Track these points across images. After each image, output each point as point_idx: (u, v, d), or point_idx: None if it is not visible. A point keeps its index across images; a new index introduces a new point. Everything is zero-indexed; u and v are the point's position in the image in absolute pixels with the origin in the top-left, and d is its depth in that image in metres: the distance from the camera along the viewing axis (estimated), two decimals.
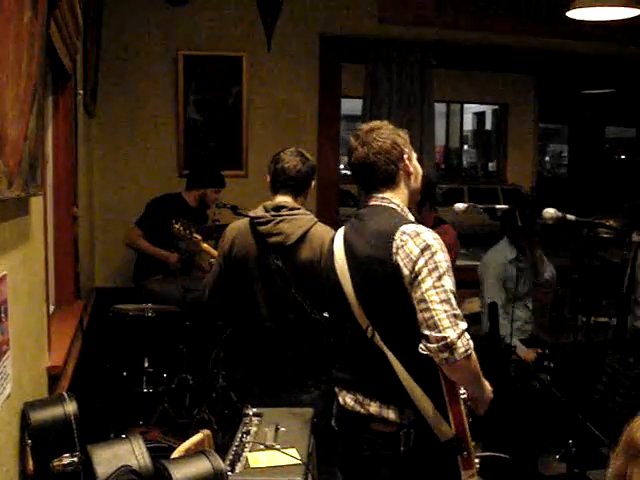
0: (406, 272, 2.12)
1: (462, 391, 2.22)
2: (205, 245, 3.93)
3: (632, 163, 22.90)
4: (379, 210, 2.33)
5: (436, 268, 2.10)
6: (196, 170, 5.16)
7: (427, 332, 2.05)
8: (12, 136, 1.74)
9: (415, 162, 2.42)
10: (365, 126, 2.40)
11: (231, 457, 2.20)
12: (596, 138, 22.20)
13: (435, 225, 4.23)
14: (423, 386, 2.16)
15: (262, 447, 2.26)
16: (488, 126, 24.41)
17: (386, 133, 2.35)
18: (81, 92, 4.15)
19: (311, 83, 5.64)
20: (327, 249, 2.46)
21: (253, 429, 2.40)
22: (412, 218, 2.34)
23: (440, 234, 2.26)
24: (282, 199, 3.02)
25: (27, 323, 2.19)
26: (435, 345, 2.03)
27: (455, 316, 2.06)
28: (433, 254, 2.12)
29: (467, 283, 4.60)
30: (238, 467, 2.14)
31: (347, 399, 2.33)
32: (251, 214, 3.03)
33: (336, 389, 2.41)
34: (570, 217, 2.98)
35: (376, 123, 2.41)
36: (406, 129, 2.46)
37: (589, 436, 3.00)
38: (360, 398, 2.28)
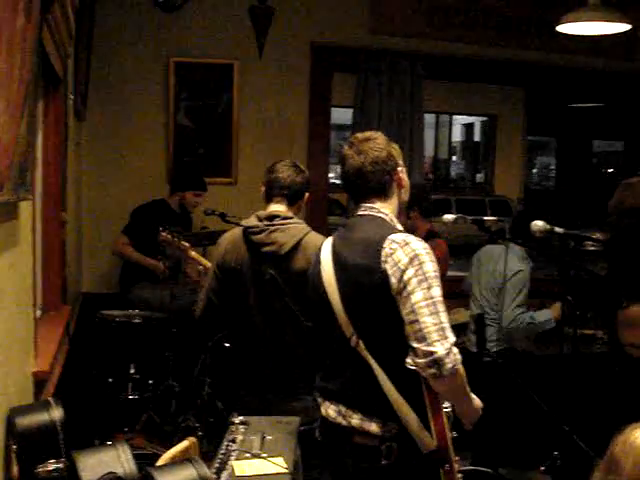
0: (394, 281, 2.12)
1: (446, 404, 2.22)
2: (193, 253, 3.92)
3: (619, 177, 23.01)
4: (368, 219, 2.33)
5: (425, 279, 2.09)
6: (176, 174, 5.15)
7: (415, 345, 2.05)
8: (3, 140, 1.74)
9: (404, 175, 2.43)
10: (360, 135, 2.40)
11: (217, 465, 2.19)
12: (584, 151, 22.35)
13: (428, 237, 4.16)
14: (406, 397, 2.15)
15: (248, 455, 2.25)
16: (477, 138, 24.53)
17: (383, 144, 2.36)
18: (72, 96, 4.14)
19: (302, 92, 5.65)
20: (314, 258, 2.46)
21: (239, 437, 2.39)
22: (401, 228, 2.34)
23: (432, 248, 2.26)
24: (275, 208, 3.02)
25: (13, 327, 2.18)
26: (423, 360, 2.03)
27: (443, 329, 2.05)
28: (422, 264, 2.12)
29: (454, 294, 4.60)
30: (224, 475, 2.13)
31: (330, 410, 2.32)
32: (244, 223, 3.02)
33: (319, 400, 2.40)
34: (558, 230, 3.00)
35: (371, 133, 2.41)
36: (396, 139, 2.48)
37: (575, 449, 3.01)
38: (343, 409, 2.27)
